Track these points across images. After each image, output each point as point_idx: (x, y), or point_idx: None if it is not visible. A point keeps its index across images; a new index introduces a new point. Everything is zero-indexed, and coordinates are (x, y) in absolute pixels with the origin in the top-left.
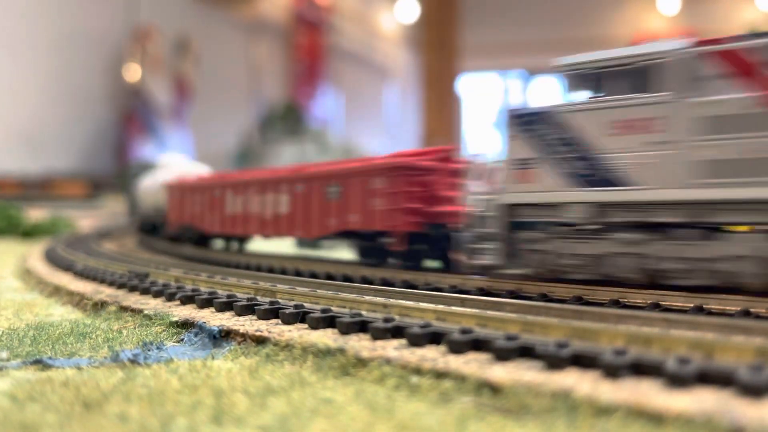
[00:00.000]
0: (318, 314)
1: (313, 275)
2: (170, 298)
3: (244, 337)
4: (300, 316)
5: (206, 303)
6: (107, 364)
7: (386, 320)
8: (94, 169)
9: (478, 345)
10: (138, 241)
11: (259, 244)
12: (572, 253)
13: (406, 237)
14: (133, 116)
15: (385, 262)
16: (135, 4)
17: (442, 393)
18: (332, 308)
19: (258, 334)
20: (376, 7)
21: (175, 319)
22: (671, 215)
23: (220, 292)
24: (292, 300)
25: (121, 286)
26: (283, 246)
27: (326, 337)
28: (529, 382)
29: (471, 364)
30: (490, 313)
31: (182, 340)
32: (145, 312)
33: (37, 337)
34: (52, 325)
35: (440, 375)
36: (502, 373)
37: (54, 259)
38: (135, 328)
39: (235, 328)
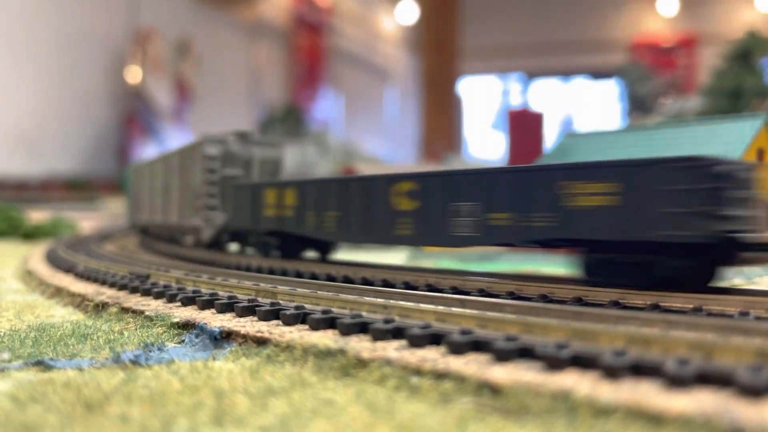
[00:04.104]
0: (319, 315)
1: (314, 276)
2: (171, 299)
3: (245, 338)
4: (301, 317)
5: (207, 304)
6: (108, 365)
7: (386, 321)
8: (95, 171)
9: (478, 346)
10: (139, 243)
11: None
12: None
13: None
14: (134, 118)
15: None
16: (136, 6)
17: (443, 394)
18: (333, 309)
19: (259, 335)
20: (376, 10)
21: (176, 320)
22: None
23: (221, 293)
24: (293, 301)
25: (122, 288)
26: None
27: (327, 338)
28: (528, 383)
29: (471, 364)
30: (489, 314)
31: (183, 341)
32: (147, 313)
33: (39, 338)
34: (54, 326)
35: (440, 376)
36: (502, 373)
37: (55, 261)
38: (136, 329)
39: (236, 329)
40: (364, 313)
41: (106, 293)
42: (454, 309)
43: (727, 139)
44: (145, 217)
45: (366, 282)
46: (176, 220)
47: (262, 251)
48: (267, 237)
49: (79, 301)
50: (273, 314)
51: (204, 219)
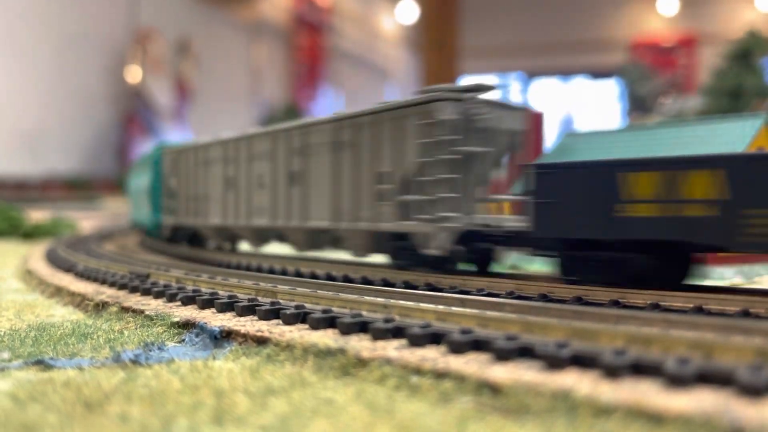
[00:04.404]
0: (319, 315)
1: (314, 276)
2: (171, 298)
3: (245, 337)
4: (301, 317)
5: (207, 304)
6: (108, 365)
7: (387, 320)
8: (95, 170)
9: (479, 345)
10: (139, 242)
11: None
12: None
13: None
14: (134, 117)
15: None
16: (136, 6)
17: (443, 393)
18: (333, 309)
19: (259, 334)
20: (376, 9)
21: (176, 319)
22: None
23: (221, 292)
24: (293, 300)
25: (122, 287)
26: (283, 247)
27: (327, 338)
28: (529, 382)
29: (471, 364)
30: (490, 313)
31: (183, 340)
32: (147, 312)
33: (39, 337)
34: (54, 325)
35: (440, 375)
36: (502, 373)
37: (55, 260)
38: (136, 328)
39: (236, 328)
40: (364, 313)
41: (106, 292)
42: (454, 308)
43: (728, 139)
44: (212, 220)
45: (366, 281)
46: (328, 223)
47: (610, 275)
48: (611, 253)
49: (79, 301)
50: (273, 313)
51: (434, 221)
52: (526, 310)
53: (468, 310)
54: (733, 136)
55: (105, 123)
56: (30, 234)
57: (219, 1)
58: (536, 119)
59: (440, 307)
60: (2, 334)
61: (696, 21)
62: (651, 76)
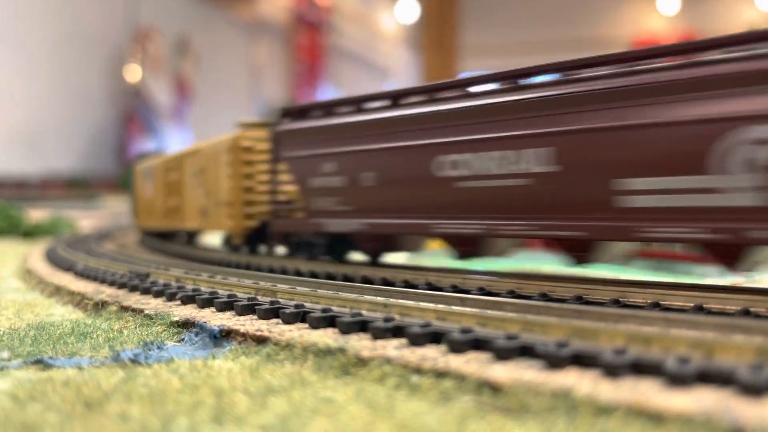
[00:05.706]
0: (318, 314)
1: (314, 275)
2: (171, 297)
3: (245, 336)
4: (300, 316)
5: (207, 303)
6: (108, 364)
7: (386, 320)
8: (95, 169)
9: (479, 344)
10: (138, 242)
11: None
12: None
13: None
14: (133, 117)
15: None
16: (135, 4)
17: (443, 392)
18: (333, 308)
19: (258, 333)
20: (376, 8)
21: (175, 318)
22: None
23: (220, 291)
24: (293, 300)
25: (121, 286)
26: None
27: (327, 337)
28: (529, 382)
29: (471, 363)
30: (490, 312)
31: (183, 339)
32: (146, 312)
33: (38, 336)
34: (53, 325)
35: (440, 374)
36: (503, 372)
37: (55, 260)
38: (136, 327)
39: (236, 327)
40: (364, 312)
41: (106, 292)
42: (454, 307)
43: None
44: None
45: (366, 280)
46: None
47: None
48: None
49: (78, 300)
50: (273, 313)
51: None
52: (526, 309)
53: (468, 309)
54: None
55: (104, 122)
56: (29, 233)
57: (219, 0)
58: None
59: (440, 306)
60: (1, 333)
61: (696, 20)
62: None
